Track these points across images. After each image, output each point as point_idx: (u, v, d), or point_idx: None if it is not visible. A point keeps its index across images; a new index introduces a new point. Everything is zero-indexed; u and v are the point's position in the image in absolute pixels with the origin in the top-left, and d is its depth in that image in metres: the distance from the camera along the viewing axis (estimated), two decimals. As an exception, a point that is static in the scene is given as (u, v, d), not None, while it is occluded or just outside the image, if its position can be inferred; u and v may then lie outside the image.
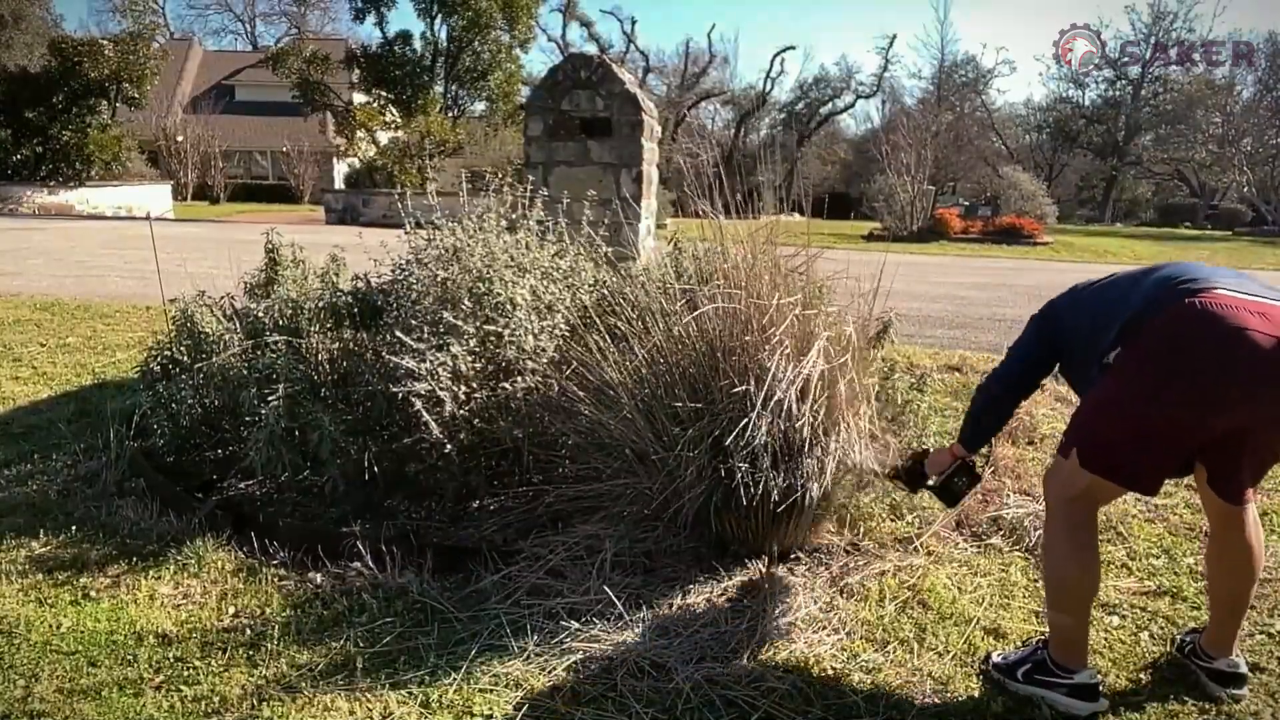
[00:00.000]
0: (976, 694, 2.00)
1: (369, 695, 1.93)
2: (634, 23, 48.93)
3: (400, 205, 3.24)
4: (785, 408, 2.29)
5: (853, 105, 42.40)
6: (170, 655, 2.09)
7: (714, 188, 2.73)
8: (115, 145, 20.98)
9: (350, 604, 2.32)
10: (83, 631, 2.18)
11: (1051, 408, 4.08)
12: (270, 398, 2.72)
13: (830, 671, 2.06)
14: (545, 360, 2.78)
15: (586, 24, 39.00)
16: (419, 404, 2.58)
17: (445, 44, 24.85)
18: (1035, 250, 17.36)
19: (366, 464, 2.77)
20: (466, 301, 2.83)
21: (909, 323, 5.89)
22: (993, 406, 2.18)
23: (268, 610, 2.31)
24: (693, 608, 2.30)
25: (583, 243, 3.39)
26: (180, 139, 29.02)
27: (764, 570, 2.47)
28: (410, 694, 1.94)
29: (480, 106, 27.30)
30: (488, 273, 2.89)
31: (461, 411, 2.66)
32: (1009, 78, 72.57)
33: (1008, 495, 3.06)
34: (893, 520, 2.88)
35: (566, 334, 2.86)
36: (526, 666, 2.05)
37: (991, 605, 2.39)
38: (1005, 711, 1.93)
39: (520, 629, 2.20)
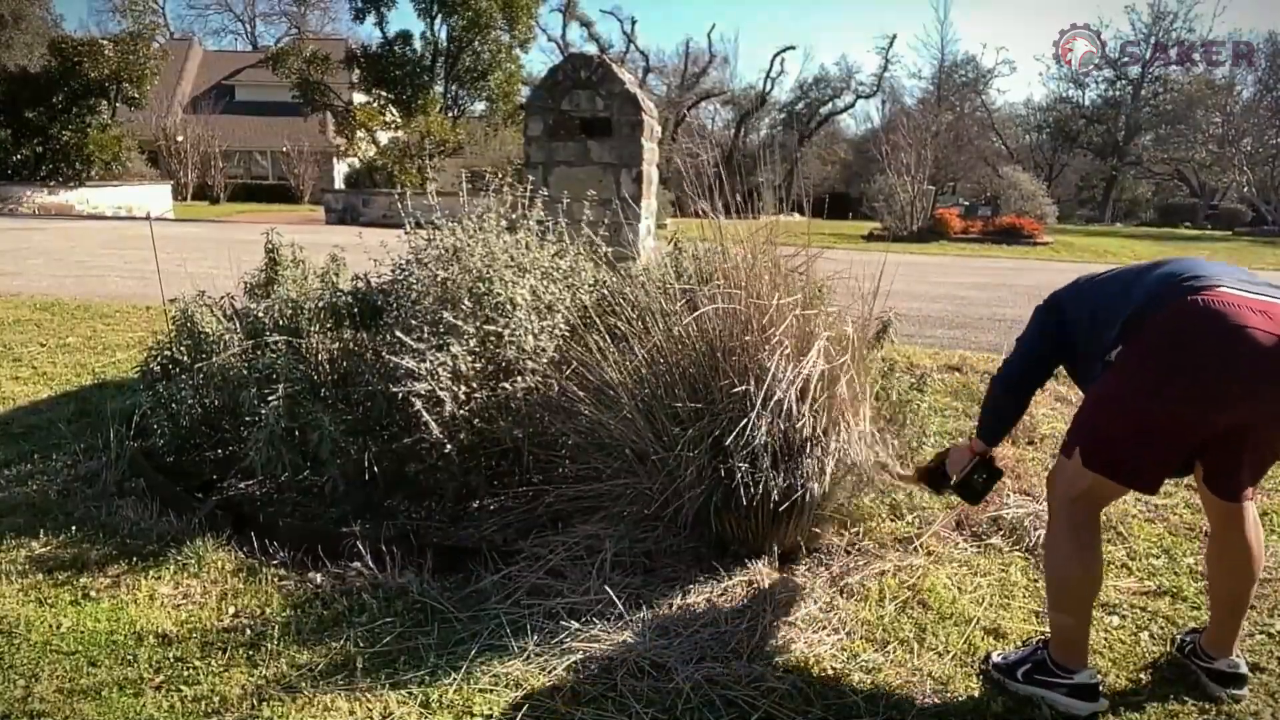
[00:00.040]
0: (976, 694, 2.00)
1: (369, 695, 1.93)
2: (634, 23, 49.03)
3: (400, 205, 3.24)
4: (785, 408, 2.29)
5: (853, 105, 42.48)
6: (170, 655, 2.09)
7: (714, 188, 2.73)
8: (115, 145, 20.97)
9: (350, 604, 2.32)
10: (83, 631, 2.18)
11: (1051, 408, 4.08)
12: (270, 398, 2.72)
13: (830, 671, 2.06)
14: (545, 360, 2.78)
15: (586, 24, 39.05)
16: (419, 404, 2.58)
17: (445, 44, 24.84)
18: (1035, 250, 17.36)
19: (366, 464, 2.77)
20: (466, 301, 2.83)
21: (909, 323, 5.89)
22: (1004, 397, 2.17)
23: (268, 610, 2.31)
24: (693, 608, 2.30)
25: (583, 243, 3.39)
26: (180, 139, 29.03)
27: (764, 570, 2.47)
28: (410, 694, 1.94)
29: (480, 106, 27.30)
30: (488, 273, 2.89)
31: (461, 411, 2.66)
32: (1009, 78, 72.67)
33: (1008, 495, 3.06)
34: (893, 520, 2.88)
35: (566, 334, 2.86)
36: (526, 666, 2.05)
37: (991, 605, 2.39)
38: (1005, 711, 1.93)
39: (520, 629, 2.20)
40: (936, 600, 2.39)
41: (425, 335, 2.75)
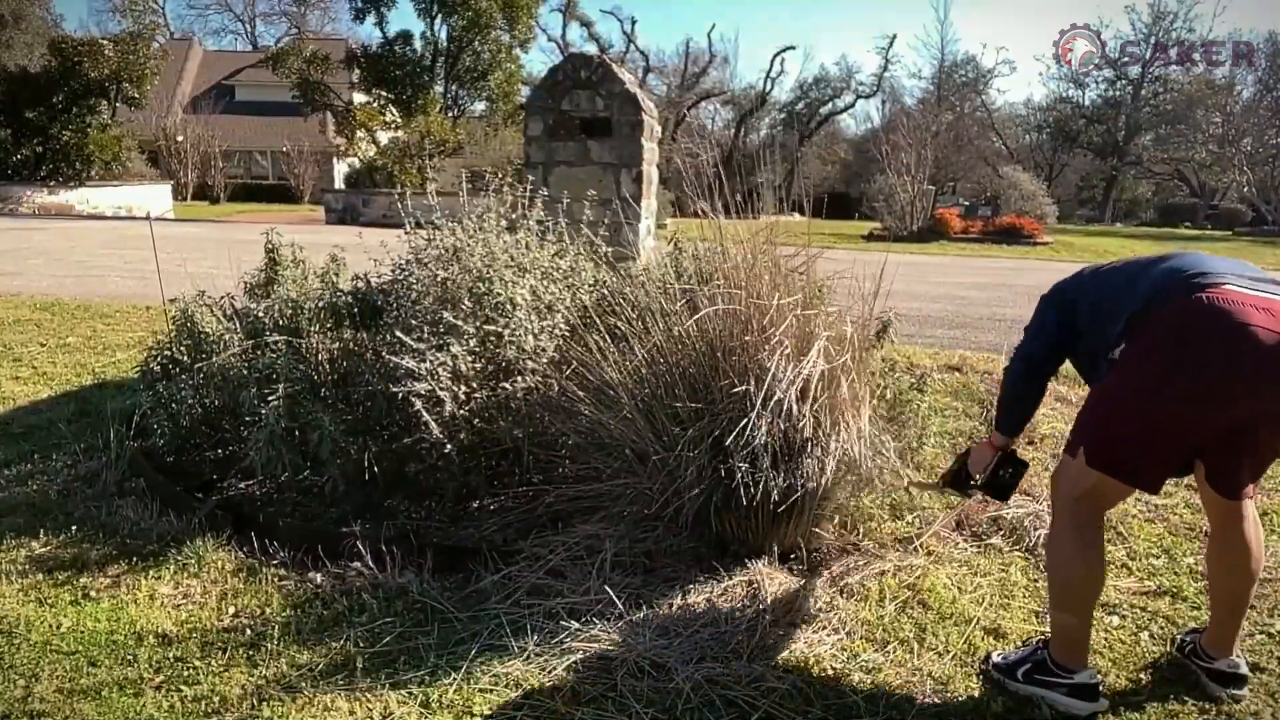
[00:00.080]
0: (976, 694, 2.00)
1: (369, 695, 1.93)
2: (634, 23, 48.99)
3: (400, 205, 3.24)
4: (785, 408, 2.29)
5: (853, 105, 42.45)
6: (170, 655, 2.09)
7: (714, 188, 2.73)
8: (115, 145, 20.97)
9: (350, 604, 2.32)
10: (83, 631, 2.18)
11: (1051, 408, 4.07)
12: (270, 398, 2.72)
13: (830, 671, 2.06)
14: (545, 360, 2.78)
15: (586, 24, 39.02)
16: (419, 404, 2.58)
17: (445, 44, 24.84)
18: (1035, 250, 17.35)
19: (366, 464, 2.77)
20: (466, 301, 2.83)
21: (909, 323, 5.89)
22: (1026, 385, 2.15)
23: (268, 610, 2.31)
24: (693, 608, 2.30)
25: (583, 243, 3.39)
26: (180, 139, 29.02)
27: (764, 570, 2.46)
28: (410, 694, 1.94)
29: (480, 106, 27.30)
30: (488, 273, 2.89)
31: (461, 411, 2.66)
32: (1009, 78, 72.70)
33: (1008, 495, 3.06)
34: (893, 520, 2.88)
35: (566, 334, 2.86)
36: (526, 666, 2.05)
37: (991, 605, 2.39)
38: (1005, 711, 1.93)
39: (520, 629, 2.20)
40: (936, 600, 2.39)
41: (425, 335, 2.75)
